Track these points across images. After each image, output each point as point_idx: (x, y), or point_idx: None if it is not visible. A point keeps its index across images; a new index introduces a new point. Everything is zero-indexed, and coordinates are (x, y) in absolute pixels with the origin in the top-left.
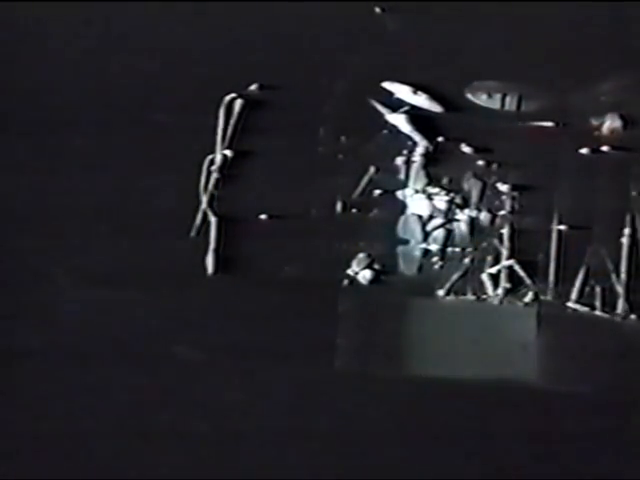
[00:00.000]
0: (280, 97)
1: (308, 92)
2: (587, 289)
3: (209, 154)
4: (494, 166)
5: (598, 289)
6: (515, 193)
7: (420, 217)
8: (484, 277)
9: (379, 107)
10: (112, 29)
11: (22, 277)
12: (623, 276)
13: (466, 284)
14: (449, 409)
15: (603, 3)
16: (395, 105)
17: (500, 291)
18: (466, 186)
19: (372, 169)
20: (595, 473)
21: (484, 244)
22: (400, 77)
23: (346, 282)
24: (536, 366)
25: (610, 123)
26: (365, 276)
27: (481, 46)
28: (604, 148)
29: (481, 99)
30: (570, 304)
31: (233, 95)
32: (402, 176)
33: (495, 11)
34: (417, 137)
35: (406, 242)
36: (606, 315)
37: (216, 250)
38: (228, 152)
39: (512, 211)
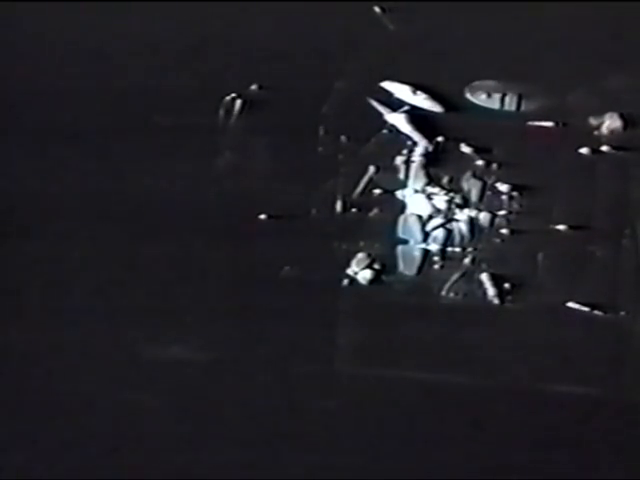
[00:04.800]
0: (280, 97)
1: (308, 92)
2: (587, 289)
3: (209, 154)
4: (494, 166)
5: (598, 289)
6: (515, 193)
7: (420, 217)
8: (484, 277)
9: (379, 107)
10: (112, 30)
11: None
12: (623, 275)
13: (466, 284)
14: (449, 410)
15: (603, 3)
16: (395, 105)
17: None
18: (466, 186)
19: (372, 169)
20: (595, 473)
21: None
22: (400, 77)
23: (346, 282)
24: (536, 367)
25: (610, 123)
26: (365, 276)
27: (481, 46)
28: (604, 148)
29: (481, 99)
30: (570, 304)
31: (233, 95)
32: (402, 176)
33: (495, 11)
34: (417, 137)
35: (406, 242)
36: (606, 315)
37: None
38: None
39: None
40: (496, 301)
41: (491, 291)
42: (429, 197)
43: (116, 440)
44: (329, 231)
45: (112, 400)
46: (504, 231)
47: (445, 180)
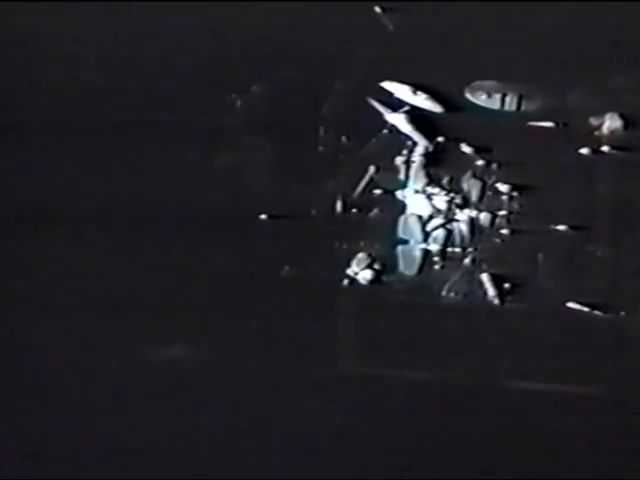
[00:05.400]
0: (280, 97)
1: (308, 92)
2: (587, 289)
3: (209, 154)
4: (494, 166)
5: (598, 289)
6: (515, 193)
7: (420, 217)
8: (484, 277)
9: (379, 107)
10: (113, 29)
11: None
12: (623, 275)
13: (466, 284)
14: (449, 409)
15: (603, 4)
16: (395, 105)
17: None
18: (466, 186)
19: (372, 169)
20: (595, 473)
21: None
22: (400, 77)
23: (346, 282)
24: (536, 367)
25: (610, 123)
26: (365, 276)
27: (481, 46)
28: (604, 148)
29: (481, 99)
30: (570, 304)
31: (233, 95)
32: (402, 176)
33: (495, 11)
34: (417, 137)
35: (406, 242)
36: (606, 315)
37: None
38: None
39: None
40: (496, 301)
41: (491, 291)
42: (429, 197)
43: (116, 440)
44: (329, 231)
45: (112, 400)
46: (504, 231)
47: (445, 180)
